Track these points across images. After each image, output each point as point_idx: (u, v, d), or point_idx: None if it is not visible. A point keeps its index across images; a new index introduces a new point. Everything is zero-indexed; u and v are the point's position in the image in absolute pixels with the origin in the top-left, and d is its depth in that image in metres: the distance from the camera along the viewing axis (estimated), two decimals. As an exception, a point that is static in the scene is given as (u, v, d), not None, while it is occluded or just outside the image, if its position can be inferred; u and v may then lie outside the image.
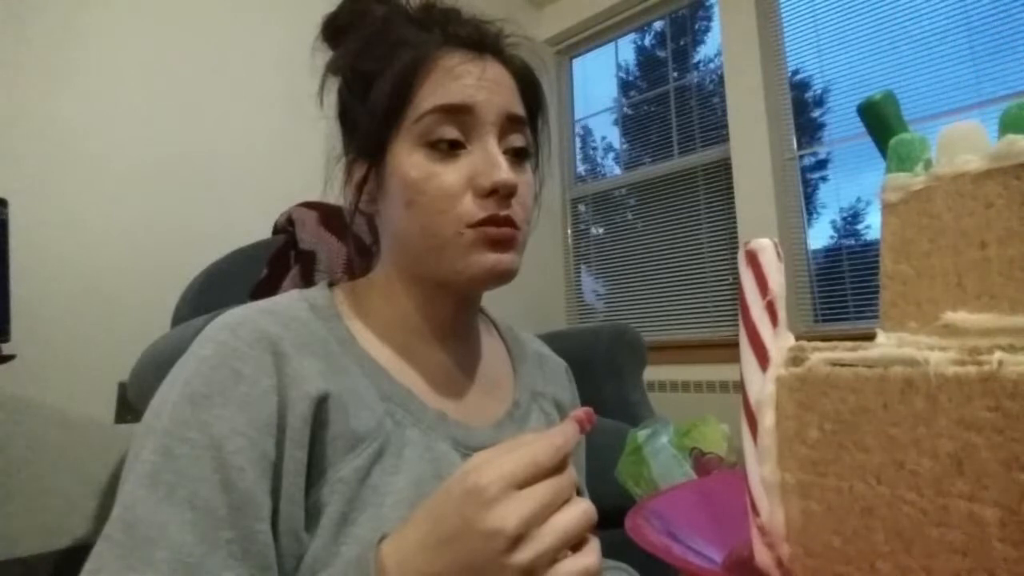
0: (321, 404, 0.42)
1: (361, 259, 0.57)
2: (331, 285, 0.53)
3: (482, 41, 0.50)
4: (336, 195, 0.53)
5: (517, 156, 0.49)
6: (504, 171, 0.45)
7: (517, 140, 0.49)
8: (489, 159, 0.46)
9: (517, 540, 0.31)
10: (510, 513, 0.31)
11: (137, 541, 0.36)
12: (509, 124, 0.48)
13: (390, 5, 0.51)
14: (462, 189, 0.46)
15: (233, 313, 0.45)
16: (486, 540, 0.31)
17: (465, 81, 0.47)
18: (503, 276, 0.47)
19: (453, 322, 0.52)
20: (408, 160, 0.46)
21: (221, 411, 0.39)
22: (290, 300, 0.48)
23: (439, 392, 0.50)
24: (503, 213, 0.46)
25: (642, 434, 1.05)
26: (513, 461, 0.33)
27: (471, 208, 0.45)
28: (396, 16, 0.51)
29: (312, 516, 0.41)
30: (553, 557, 0.33)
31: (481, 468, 0.33)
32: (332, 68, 0.52)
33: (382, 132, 0.48)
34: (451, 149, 0.46)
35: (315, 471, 0.42)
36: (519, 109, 0.50)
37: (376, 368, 0.47)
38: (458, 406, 0.51)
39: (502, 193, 0.46)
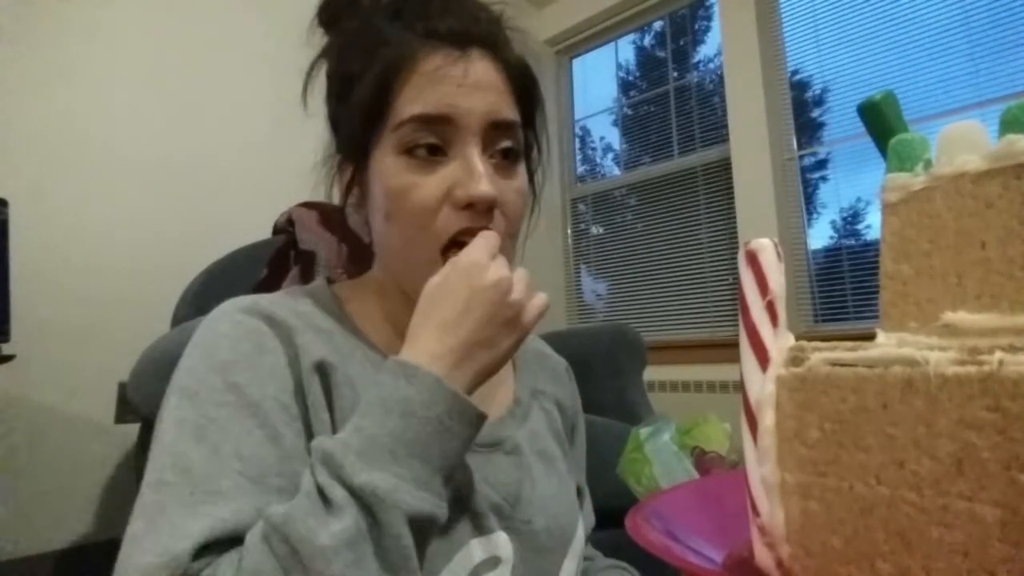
0: (325, 370, 0.43)
1: (358, 258, 0.58)
2: (329, 283, 0.53)
3: (468, 35, 0.46)
4: (329, 195, 0.53)
5: (506, 159, 0.47)
6: (483, 184, 0.44)
7: (505, 144, 0.47)
8: (468, 170, 0.44)
9: (512, 283, 0.41)
10: (502, 267, 0.41)
11: (197, 479, 0.36)
12: (494, 130, 0.46)
13: None
14: (439, 202, 0.44)
15: (238, 300, 0.46)
16: (495, 289, 0.40)
17: (445, 88, 0.44)
18: None
19: None
20: (388, 168, 0.45)
21: (251, 376, 0.40)
22: (293, 293, 0.49)
23: None
24: (481, 227, 0.45)
25: (644, 432, 1.05)
26: (483, 246, 0.42)
27: (448, 222, 0.44)
28: (378, 10, 0.49)
29: None
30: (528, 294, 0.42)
31: (468, 252, 0.41)
32: (325, 54, 0.51)
33: (363, 137, 0.47)
34: (431, 156, 0.45)
35: None
36: (507, 112, 0.47)
37: (380, 359, 0.48)
38: None
39: (479, 208, 0.44)
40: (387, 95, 0.45)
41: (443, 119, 0.44)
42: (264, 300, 0.46)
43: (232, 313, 0.44)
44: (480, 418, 0.39)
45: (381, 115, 0.45)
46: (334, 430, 0.42)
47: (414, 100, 0.44)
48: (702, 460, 1.02)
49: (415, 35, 0.46)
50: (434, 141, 0.44)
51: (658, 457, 0.99)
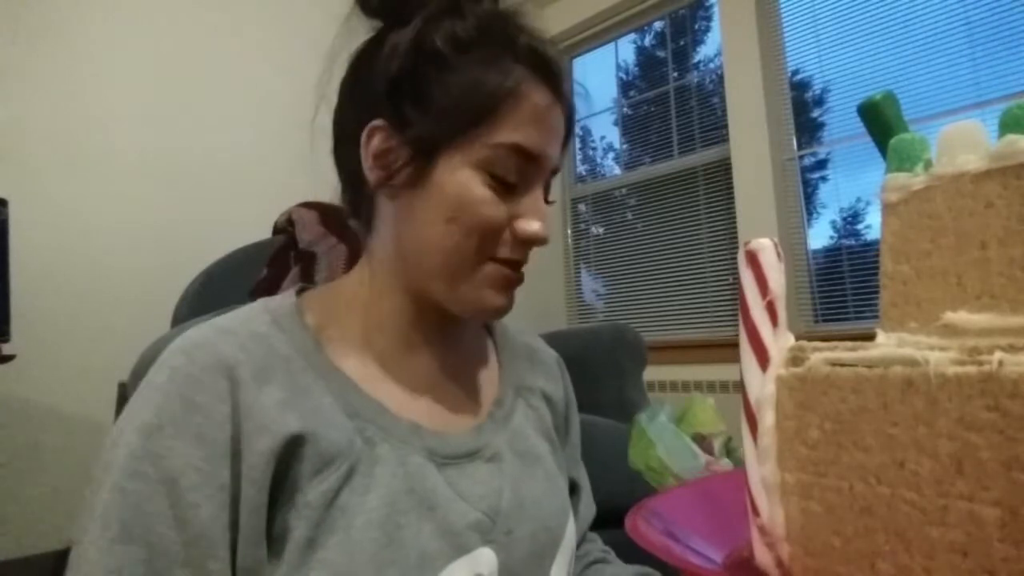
0: (291, 443, 0.40)
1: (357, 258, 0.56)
2: (302, 291, 0.51)
3: (558, 80, 0.49)
4: (331, 196, 0.52)
5: (544, 192, 0.51)
6: (543, 227, 0.48)
7: (548, 183, 0.52)
8: (535, 208, 0.48)
9: None
10: None
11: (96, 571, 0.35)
12: (551, 175, 0.51)
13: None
14: (505, 223, 0.47)
15: (190, 335, 0.43)
16: None
17: (545, 129, 0.48)
18: (499, 316, 0.50)
19: (441, 324, 0.51)
20: (464, 178, 0.45)
21: (174, 443, 0.38)
22: (252, 314, 0.46)
23: (415, 400, 0.49)
24: (523, 260, 0.49)
25: (643, 417, 1.08)
26: None
27: (504, 246, 0.47)
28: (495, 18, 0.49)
29: (277, 542, 0.39)
30: None
31: None
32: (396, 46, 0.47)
33: (447, 136, 0.46)
34: (504, 182, 0.47)
35: (281, 497, 0.40)
36: (561, 162, 0.52)
37: (343, 382, 0.45)
38: (435, 413, 0.49)
39: (531, 244, 0.48)
40: (490, 115, 0.46)
41: (534, 157, 0.47)
42: (215, 335, 0.43)
43: (175, 357, 0.41)
44: None
45: (475, 130, 0.46)
46: (274, 496, 0.39)
47: (517, 130, 0.46)
48: (703, 444, 1.04)
49: (522, 68, 0.47)
50: (514, 176, 0.47)
51: (661, 439, 1.01)
